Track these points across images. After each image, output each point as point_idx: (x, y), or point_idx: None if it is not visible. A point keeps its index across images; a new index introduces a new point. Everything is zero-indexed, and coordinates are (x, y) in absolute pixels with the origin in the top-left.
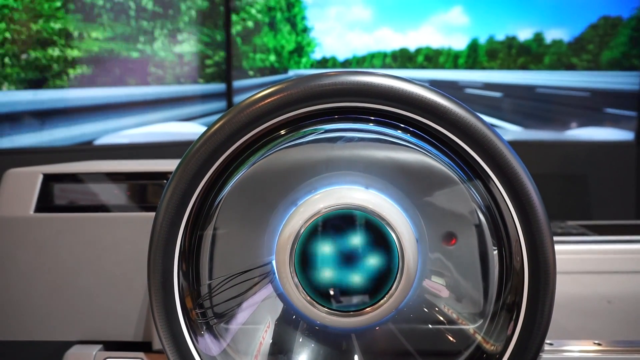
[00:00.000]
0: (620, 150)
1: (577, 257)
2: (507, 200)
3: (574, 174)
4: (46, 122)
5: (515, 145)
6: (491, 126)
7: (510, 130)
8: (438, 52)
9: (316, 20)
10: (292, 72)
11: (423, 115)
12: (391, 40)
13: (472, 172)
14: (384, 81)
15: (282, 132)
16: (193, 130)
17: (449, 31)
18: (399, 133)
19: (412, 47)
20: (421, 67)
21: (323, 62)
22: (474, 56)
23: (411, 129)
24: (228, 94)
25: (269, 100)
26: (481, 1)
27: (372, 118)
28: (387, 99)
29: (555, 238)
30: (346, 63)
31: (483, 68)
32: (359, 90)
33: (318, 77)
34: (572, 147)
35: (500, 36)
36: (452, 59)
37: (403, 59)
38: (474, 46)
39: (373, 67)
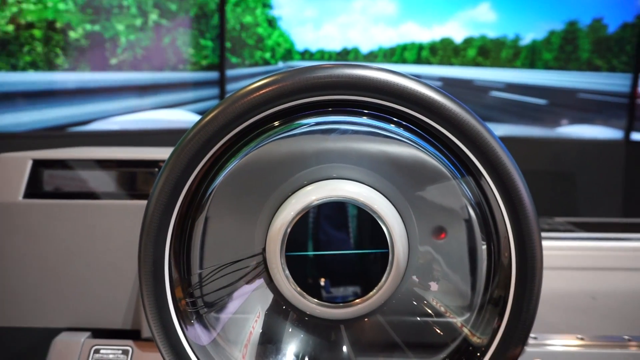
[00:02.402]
0: (609, 149)
1: (564, 254)
2: (498, 196)
3: (563, 172)
4: (35, 104)
5: (506, 141)
6: (484, 123)
7: None
8: (499, 44)
9: (341, 13)
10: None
11: (417, 110)
12: (416, 34)
13: (463, 167)
14: (378, 75)
15: (276, 123)
16: (183, 118)
17: (476, 27)
18: (392, 127)
19: (459, 36)
20: (475, 63)
21: (344, 54)
22: (572, 46)
23: (404, 123)
24: (221, 82)
25: (263, 91)
26: None
27: (366, 111)
28: (381, 92)
29: (543, 234)
30: (370, 55)
31: (613, 69)
32: (353, 84)
33: (313, 69)
34: (561, 144)
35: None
36: (527, 54)
37: (446, 51)
38: (571, 33)
39: (404, 60)
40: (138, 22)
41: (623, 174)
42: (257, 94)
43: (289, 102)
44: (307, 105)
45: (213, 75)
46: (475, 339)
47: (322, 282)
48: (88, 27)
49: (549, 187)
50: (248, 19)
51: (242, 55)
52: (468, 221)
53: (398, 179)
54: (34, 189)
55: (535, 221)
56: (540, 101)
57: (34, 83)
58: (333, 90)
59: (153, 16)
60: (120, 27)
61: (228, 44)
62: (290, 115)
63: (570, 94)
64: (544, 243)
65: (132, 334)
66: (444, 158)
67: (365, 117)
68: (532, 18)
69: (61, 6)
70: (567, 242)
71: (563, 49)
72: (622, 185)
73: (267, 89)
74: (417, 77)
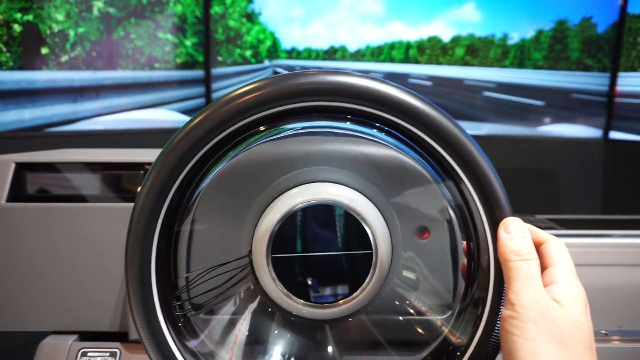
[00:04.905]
0: (588, 147)
1: None
2: (476, 200)
3: (545, 169)
4: (16, 103)
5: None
6: (461, 127)
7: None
8: (487, 42)
9: (328, 12)
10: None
11: (397, 115)
12: (403, 33)
13: (443, 171)
14: (359, 82)
15: (262, 128)
16: (168, 117)
17: (462, 27)
18: (374, 132)
19: (444, 36)
20: (464, 63)
21: (331, 52)
22: (561, 46)
23: (386, 128)
24: (206, 81)
25: (247, 97)
26: None
27: (349, 117)
28: (363, 99)
29: None
30: (357, 54)
31: (604, 69)
32: (335, 90)
33: (296, 76)
34: (543, 142)
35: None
36: (515, 53)
37: (434, 50)
38: (560, 32)
39: (392, 59)
40: (78, 10)
41: (602, 172)
42: (242, 100)
43: (274, 108)
44: (291, 111)
45: (198, 73)
46: (455, 339)
47: (309, 282)
48: (18, 15)
49: (531, 184)
50: (216, 9)
51: (220, 52)
52: (449, 222)
53: (381, 181)
54: (18, 192)
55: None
56: (537, 102)
57: (6, 82)
58: (316, 97)
59: (98, 3)
60: (59, 16)
61: (195, 39)
62: (275, 121)
63: (563, 94)
64: None
65: (120, 336)
66: (424, 162)
67: (348, 122)
68: (517, 17)
69: None
70: None
71: (552, 48)
72: (601, 183)
73: (251, 95)
74: (398, 84)
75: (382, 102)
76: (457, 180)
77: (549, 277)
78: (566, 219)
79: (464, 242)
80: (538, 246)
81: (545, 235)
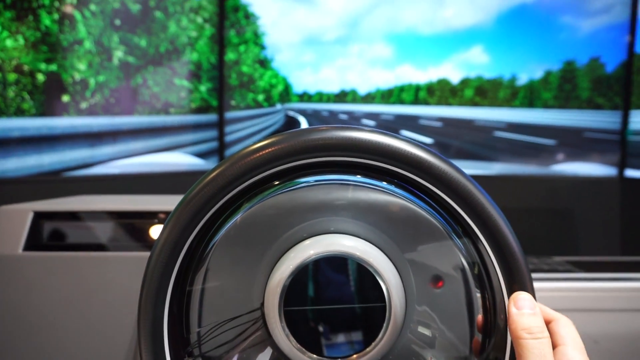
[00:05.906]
0: (604, 186)
1: (563, 295)
2: (496, 266)
3: (560, 208)
4: (36, 149)
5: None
6: (474, 181)
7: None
8: (496, 84)
9: (339, 57)
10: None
11: (408, 169)
12: (413, 76)
13: (455, 223)
14: (370, 137)
15: (276, 182)
16: (182, 160)
17: (470, 69)
18: (384, 184)
19: (453, 78)
20: (473, 104)
21: (342, 96)
22: (570, 85)
23: (396, 180)
24: (220, 124)
25: (260, 153)
26: (502, 41)
27: (360, 170)
28: (374, 153)
29: (542, 275)
30: (368, 97)
31: (616, 107)
32: (346, 145)
33: (308, 131)
34: (557, 181)
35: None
36: (525, 93)
37: (443, 92)
38: (569, 73)
39: (402, 101)
40: (99, 60)
41: (619, 211)
42: (255, 156)
43: (286, 164)
44: (304, 166)
45: (212, 117)
46: None
47: (321, 335)
48: (43, 66)
49: (547, 224)
50: (230, 56)
51: (233, 96)
52: (463, 271)
53: (394, 232)
54: (34, 241)
55: (531, 289)
56: (549, 141)
57: (27, 129)
58: (327, 152)
59: (118, 53)
60: (81, 66)
61: (209, 85)
62: (288, 175)
63: (574, 133)
64: (543, 284)
65: None
66: (435, 213)
67: (359, 176)
68: (524, 59)
69: (9, 43)
70: (566, 283)
71: (562, 88)
72: (619, 223)
73: (264, 152)
74: (408, 138)
75: (394, 156)
76: (472, 237)
77: (559, 356)
78: (585, 261)
79: (480, 316)
80: (546, 324)
81: (553, 313)
